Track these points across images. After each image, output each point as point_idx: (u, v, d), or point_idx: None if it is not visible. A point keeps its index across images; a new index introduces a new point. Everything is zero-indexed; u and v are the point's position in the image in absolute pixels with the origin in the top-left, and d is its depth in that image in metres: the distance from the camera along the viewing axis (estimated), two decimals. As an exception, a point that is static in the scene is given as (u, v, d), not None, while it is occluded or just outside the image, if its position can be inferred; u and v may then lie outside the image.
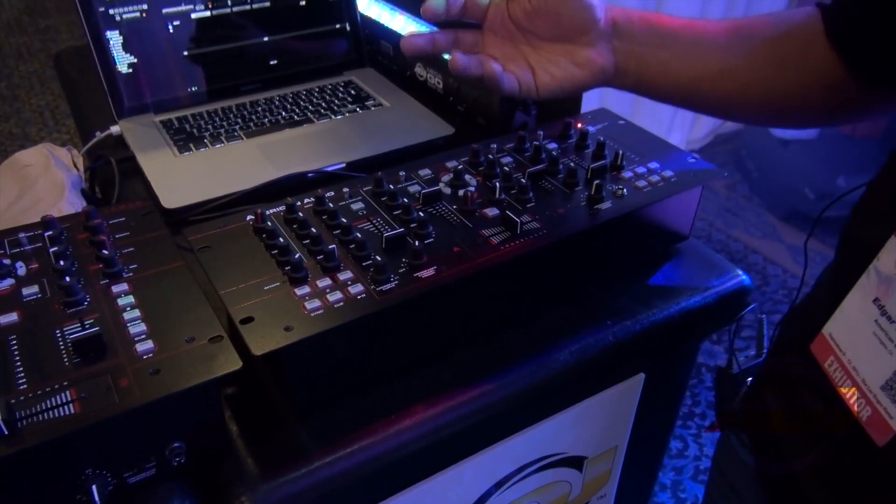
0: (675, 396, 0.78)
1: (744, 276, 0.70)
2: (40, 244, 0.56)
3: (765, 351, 0.67)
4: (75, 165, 0.76)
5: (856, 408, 0.46)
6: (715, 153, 2.75)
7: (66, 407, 0.43)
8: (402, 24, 1.03)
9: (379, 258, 0.53)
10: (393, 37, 1.02)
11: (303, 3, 0.97)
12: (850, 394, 0.47)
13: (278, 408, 0.54)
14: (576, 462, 0.72)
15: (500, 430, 0.62)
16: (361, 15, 1.03)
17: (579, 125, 0.73)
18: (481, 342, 0.60)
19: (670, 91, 0.63)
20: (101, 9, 0.85)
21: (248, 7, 0.93)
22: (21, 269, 0.54)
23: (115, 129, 0.86)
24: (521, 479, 0.68)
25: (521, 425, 0.63)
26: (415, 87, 0.98)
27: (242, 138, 0.85)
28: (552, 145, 0.70)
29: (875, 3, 0.51)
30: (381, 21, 1.05)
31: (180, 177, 0.77)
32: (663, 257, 0.70)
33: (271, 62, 0.97)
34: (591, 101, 0.75)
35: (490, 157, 0.66)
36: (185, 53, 0.91)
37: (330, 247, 0.54)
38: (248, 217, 0.59)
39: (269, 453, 0.51)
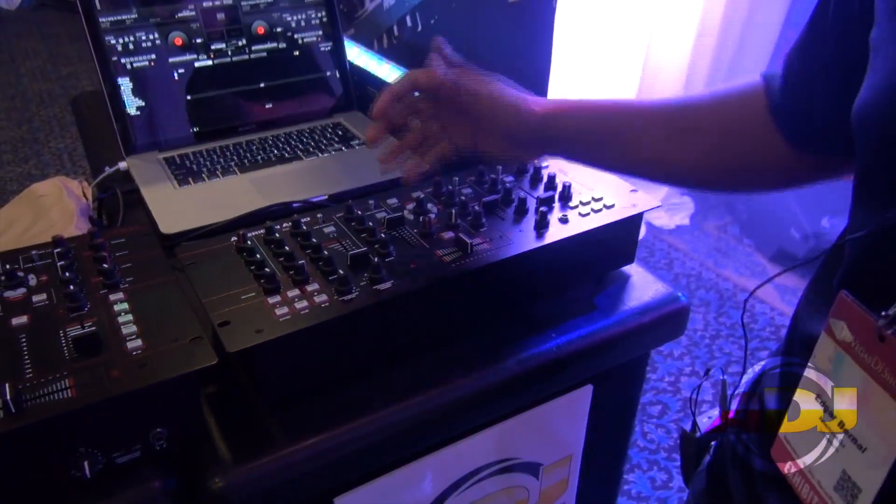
0: (626, 411, 0.84)
1: (682, 297, 0.77)
2: (50, 260, 0.64)
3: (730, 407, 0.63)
4: (85, 196, 0.85)
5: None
6: (706, 195, 2.82)
7: (64, 392, 0.51)
8: (388, 71, 1.13)
9: (343, 272, 0.61)
10: (379, 83, 1.12)
11: (297, 52, 1.07)
12: (801, 485, 0.48)
13: (250, 403, 0.61)
14: (531, 468, 0.78)
15: (454, 431, 0.68)
16: (350, 63, 1.13)
17: (535, 161, 0.82)
18: (437, 350, 0.67)
19: (604, 169, 0.70)
20: (115, 58, 0.95)
21: (246, 56, 1.04)
22: (32, 280, 0.62)
23: (122, 164, 0.95)
24: (478, 480, 0.74)
25: (473, 428, 0.69)
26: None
27: (237, 173, 0.94)
28: (509, 178, 0.78)
29: (816, 76, 0.54)
30: (369, 69, 1.15)
31: (178, 206, 0.86)
32: (609, 278, 0.78)
33: (267, 106, 1.06)
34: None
35: (451, 188, 0.75)
36: (188, 98, 1.00)
37: (300, 262, 0.62)
38: (233, 238, 0.67)
39: (241, 442, 0.58)
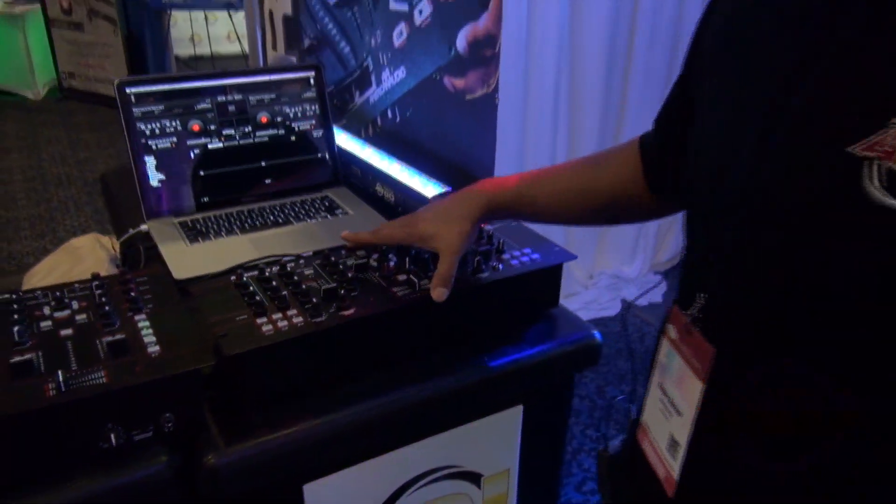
0: (556, 431, 1.00)
1: (596, 333, 0.94)
2: (88, 291, 0.82)
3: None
4: (114, 249, 1.04)
5: (658, 472, 0.61)
6: (676, 275, 3.01)
7: (100, 379, 0.67)
8: (371, 155, 1.35)
9: (316, 301, 0.79)
10: (361, 164, 1.33)
11: (293, 138, 1.29)
12: (655, 461, 0.62)
13: (239, 399, 0.77)
14: (473, 477, 0.93)
15: (405, 434, 0.84)
16: (339, 147, 1.34)
17: (482, 225, 1.00)
18: (390, 365, 0.83)
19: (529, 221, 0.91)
20: (143, 140, 1.16)
21: (251, 140, 1.25)
22: (74, 304, 0.80)
23: (143, 226, 1.15)
24: (427, 483, 0.89)
25: (422, 434, 0.85)
26: (375, 200, 1.28)
27: (238, 234, 1.13)
28: (457, 237, 0.97)
29: (668, 139, 0.72)
30: (354, 152, 1.36)
31: (189, 258, 1.05)
32: (536, 317, 0.95)
33: (266, 181, 1.27)
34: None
35: (413, 250, 0.93)
36: (201, 173, 1.21)
37: (283, 293, 0.80)
38: (232, 277, 0.85)
39: (231, 430, 0.74)
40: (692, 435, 0.58)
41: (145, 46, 5.02)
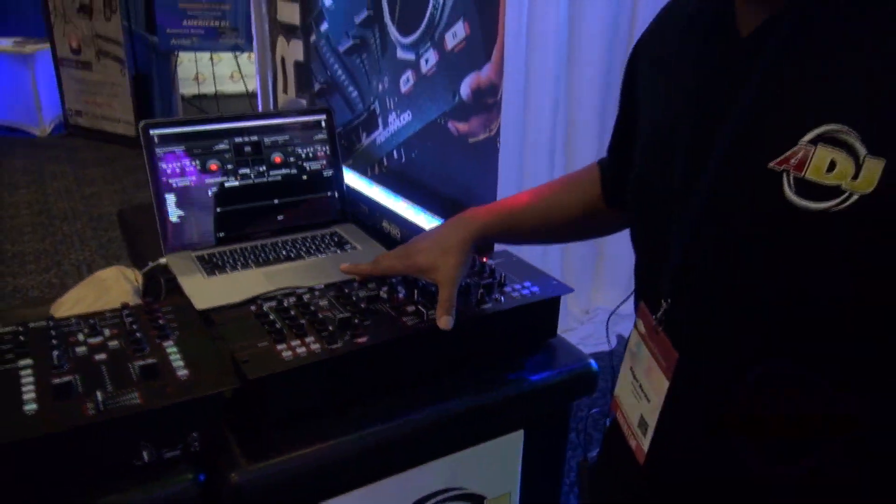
0: (555, 456, 1.05)
1: (593, 363, 1.00)
2: (118, 319, 0.88)
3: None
4: (136, 281, 1.10)
5: (630, 442, 0.69)
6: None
7: (134, 400, 0.73)
8: (377, 193, 1.42)
9: (332, 329, 0.85)
10: (369, 201, 1.40)
11: (305, 177, 1.36)
12: (627, 432, 0.70)
13: (260, 420, 0.83)
14: (477, 500, 0.98)
15: (414, 455, 0.89)
16: (347, 186, 1.42)
17: (484, 259, 1.07)
18: (400, 390, 0.89)
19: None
20: (165, 179, 1.23)
21: (265, 179, 1.32)
22: (106, 331, 0.85)
23: (162, 260, 1.21)
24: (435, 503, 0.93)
25: (428, 456, 0.90)
26: (382, 236, 1.34)
27: (253, 267, 1.20)
28: (461, 271, 1.03)
29: (619, 158, 0.80)
30: (362, 191, 1.44)
31: (207, 290, 1.11)
32: (536, 347, 1.01)
33: (279, 217, 1.34)
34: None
35: (418, 281, 0.99)
36: (218, 210, 1.28)
37: (301, 322, 0.86)
38: (252, 307, 0.91)
39: (252, 449, 0.79)
40: (659, 419, 0.64)
41: (152, 86, 5.15)
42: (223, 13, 4.38)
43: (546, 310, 1.00)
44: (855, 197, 0.47)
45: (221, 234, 1.29)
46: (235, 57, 5.32)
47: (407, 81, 1.38)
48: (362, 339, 0.85)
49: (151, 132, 1.23)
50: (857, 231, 0.47)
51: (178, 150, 1.25)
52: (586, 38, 2.46)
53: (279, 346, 0.83)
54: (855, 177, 0.47)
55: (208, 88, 5.86)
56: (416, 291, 0.94)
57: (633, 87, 0.76)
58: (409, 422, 0.86)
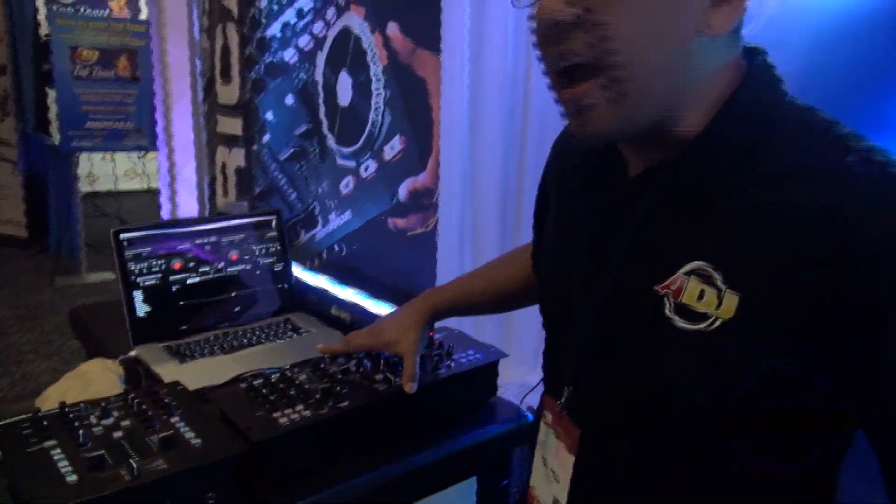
0: (503, 498, 1.22)
1: (528, 415, 1.20)
2: (122, 402, 1.00)
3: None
4: (120, 372, 1.20)
5: None
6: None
7: (160, 465, 0.85)
8: (323, 283, 1.59)
9: (318, 397, 1.01)
10: (316, 290, 1.57)
11: (258, 271, 1.52)
12: None
13: (262, 478, 0.96)
14: (441, 541, 1.13)
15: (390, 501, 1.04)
16: (296, 278, 1.58)
17: (432, 334, 1.26)
18: (376, 446, 1.05)
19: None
20: (133, 279, 1.36)
21: (223, 275, 1.47)
22: (115, 413, 0.97)
23: (132, 352, 1.32)
24: (405, 548, 1.08)
25: (402, 502, 1.06)
26: (332, 321, 1.51)
27: (220, 354, 1.33)
28: (414, 345, 1.22)
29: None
30: (308, 281, 1.61)
31: (188, 375, 1.23)
32: (482, 404, 1.20)
33: (235, 309, 1.48)
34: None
35: (381, 354, 1.17)
36: (181, 304, 1.41)
37: (290, 393, 1.01)
38: (242, 384, 1.06)
39: (258, 503, 0.93)
40: (569, 496, 0.72)
41: (47, 188, 5.06)
42: (127, 115, 4.45)
43: (488, 372, 1.20)
44: (718, 322, 0.56)
45: (184, 326, 1.41)
46: (139, 158, 5.35)
47: (347, 185, 1.59)
48: (344, 404, 1.01)
49: (121, 237, 1.36)
50: (720, 348, 0.56)
51: (145, 251, 1.38)
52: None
53: (275, 414, 0.98)
54: (718, 306, 0.56)
55: (102, 187, 5.82)
56: (381, 363, 1.12)
57: (546, 188, 0.91)
58: (384, 473, 1.02)
